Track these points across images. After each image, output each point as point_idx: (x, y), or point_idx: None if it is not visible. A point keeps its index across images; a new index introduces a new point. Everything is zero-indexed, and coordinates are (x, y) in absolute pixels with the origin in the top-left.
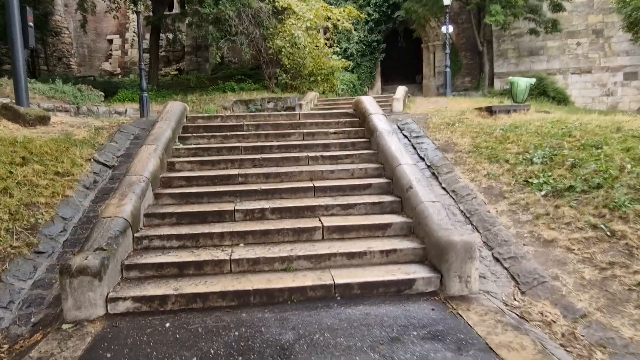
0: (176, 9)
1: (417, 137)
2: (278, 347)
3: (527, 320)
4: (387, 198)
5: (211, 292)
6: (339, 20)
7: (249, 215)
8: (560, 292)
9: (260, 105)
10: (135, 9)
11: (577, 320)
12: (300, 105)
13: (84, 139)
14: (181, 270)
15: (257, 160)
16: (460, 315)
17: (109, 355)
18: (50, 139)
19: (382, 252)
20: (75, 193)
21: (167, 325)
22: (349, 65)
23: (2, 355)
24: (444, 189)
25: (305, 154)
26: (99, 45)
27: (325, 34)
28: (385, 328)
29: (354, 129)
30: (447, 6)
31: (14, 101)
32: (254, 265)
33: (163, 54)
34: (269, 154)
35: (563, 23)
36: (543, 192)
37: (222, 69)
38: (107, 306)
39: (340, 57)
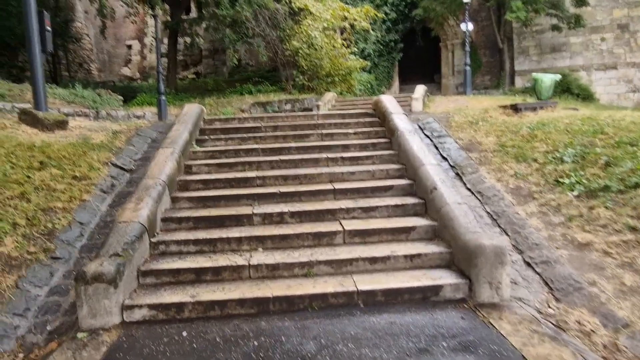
0: (193, 13)
1: (439, 136)
2: (299, 359)
3: (564, 330)
4: (410, 200)
5: (229, 300)
6: (356, 20)
7: (268, 219)
8: (599, 299)
9: (278, 107)
10: (153, 13)
11: (619, 330)
12: (318, 106)
13: (102, 143)
14: (198, 276)
15: (276, 162)
16: (492, 325)
17: None
18: (68, 143)
19: (406, 256)
20: (93, 197)
21: (184, 334)
22: (367, 65)
23: None
24: (469, 189)
25: (324, 156)
26: (118, 51)
27: (342, 34)
28: (412, 338)
29: (374, 129)
30: (466, 3)
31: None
32: (273, 271)
33: (181, 58)
34: (287, 155)
35: (586, 18)
36: (575, 193)
37: (239, 72)
38: (122, 314)
39: (357, 57)
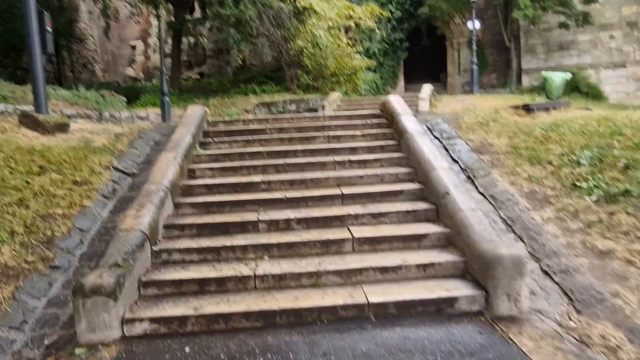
0: (197, 14)
1: (449, 138)
2: None
3: (588, 346)
4: (421, 205)
5: (234, 313)
6: (361, 19)
7: (274, 225)
8: (623, 311)
9: (282, 107)
10: (156, 13)
11: None
12: (323, 107)
13: (104, 146)
14: (202, 287)
15: (281, 166)
16: (512, 340)
17: None
18: (69, 147)
19: (418, 266)
20: (94, 203)
21: (187, 350)
22: (372, 65)
23: None
24: (481, 193)
25: (331, 159)
26: (122, 51)
27: (347, 33)
28: (427, 355)
29: (382, 130)
30: (473, 2)
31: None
32: (280, 281)
33: (185, 58)
34: (293, 158)
35: (595, 15)
36: (594, 197)
37: (244, 72)
38: (122, 328)
39: (362, 56)
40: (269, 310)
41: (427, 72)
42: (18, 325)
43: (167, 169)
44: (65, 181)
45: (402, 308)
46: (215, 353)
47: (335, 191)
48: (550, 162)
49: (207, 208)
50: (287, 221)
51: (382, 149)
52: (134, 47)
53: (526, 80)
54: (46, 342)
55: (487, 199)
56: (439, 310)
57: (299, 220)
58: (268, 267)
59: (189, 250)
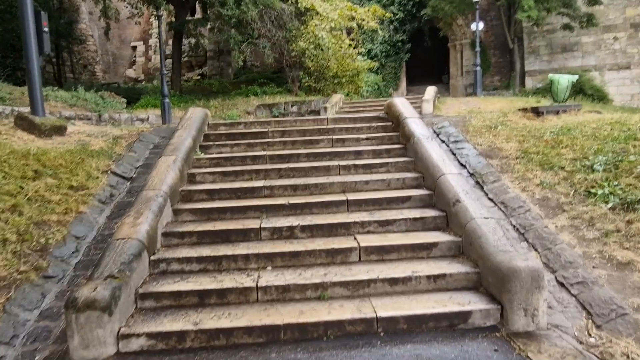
0: (198, 14)
1: (455, 141)
2: None
3: None
4: (430, 212)
5: (236, 328)
6: (363, 20)
7: (277, 233)
8: None
9: (284, 109)
10: (156, 13)
11: None
12: (325, 109)
13: (101, 150)
14: (202, 299)
15: (284, 171)
16: (531, 359)
17: None
18: (65, 150)
19: (429, 277)
20: (90, 209)
21: None
22: (374, 66)
23: None
24: (491, 200)
25: (335, 163)
26: (123, 52)
27: (349, 34)
28: None
29: (387, 134)
30: (476, 2)
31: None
32: (284, 294)
33: (186, 59)
34: (296, 163)
35: (599, 17)
36: (610, 205)
37: (245, 73)
38: (118, 344)
39: (365, 58)
40: (272, 325)
41: (429, 73)
42: (8, 339)
43: (166, 173)
44: (61, 186)
45: (412, 323)
46: None
47: (341, 197)
48: (562, 168)
49: (208, 214)
50: (291, 229)
51: (387, 152)
52: (134, 48)
53: (529, 82)
54: (37, 357)
55: (497, 206)
56: (451, 326)
57: (303, 228)
58: (271, 278)
59: (188, 260)
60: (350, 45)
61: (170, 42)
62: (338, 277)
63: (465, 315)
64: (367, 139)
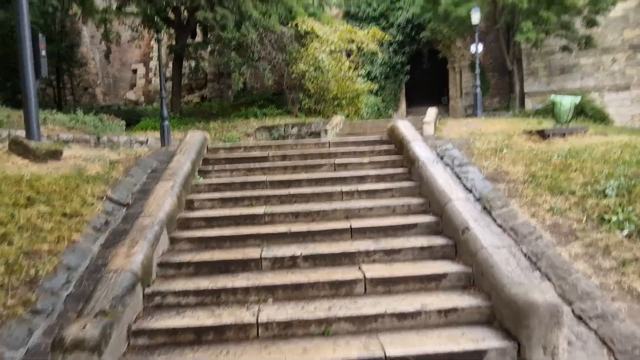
0: (199, 37)
1: (460, 165)
2: None
3: None
4: (438, 241)
5: None
6: (363, 42)
7: (278, 263)
8: None
9: (284, 130)
10: (157, 36)
11: None
12: (326, 131)
13: (97, 174)
14: (199, 336)
15: (285, 197)
16: None
17: None
18: (60, 176)
19: (439, 311)
20: (83, 237)
21: None
22: (374, 88)
23: None
24: (500, 226)
25: (338, 189)
26: (124, 75)
27: (349, 56)
28: None
29: (391, 157)
30: (475, 25)
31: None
32: (286, 329)
33: (186, 81)
34: (297, 188)
35: (597, 39)
36: (626, 232)
37: (245, 95)
38: None
39: (365, 79)
40: None
41: (429, 95)
42: None
43: (163, 199)
44: (54, 213)
45: None
46: None
47: (344, 224)
48: (573, 192)
49: (206, 243)
50: (293, 258)
51: (391, 177)
52: (135, 71)
53: (529, 104)
54: None
55: (506, 232)
56: None
57: (306, 258)
58: (272, 312)
59: (185, 293)
60: (350, 67)
61: (170, 64)
62: (343, 311)
63: (480, 354)
64: (370, 162)
